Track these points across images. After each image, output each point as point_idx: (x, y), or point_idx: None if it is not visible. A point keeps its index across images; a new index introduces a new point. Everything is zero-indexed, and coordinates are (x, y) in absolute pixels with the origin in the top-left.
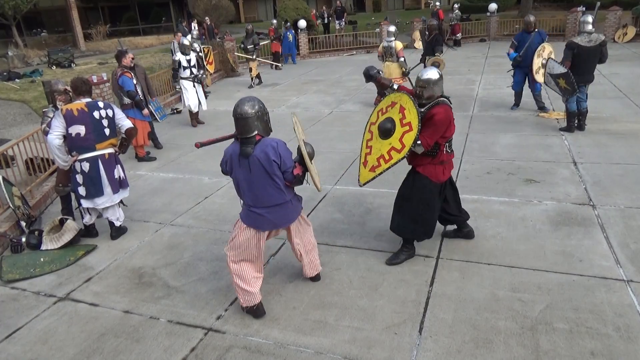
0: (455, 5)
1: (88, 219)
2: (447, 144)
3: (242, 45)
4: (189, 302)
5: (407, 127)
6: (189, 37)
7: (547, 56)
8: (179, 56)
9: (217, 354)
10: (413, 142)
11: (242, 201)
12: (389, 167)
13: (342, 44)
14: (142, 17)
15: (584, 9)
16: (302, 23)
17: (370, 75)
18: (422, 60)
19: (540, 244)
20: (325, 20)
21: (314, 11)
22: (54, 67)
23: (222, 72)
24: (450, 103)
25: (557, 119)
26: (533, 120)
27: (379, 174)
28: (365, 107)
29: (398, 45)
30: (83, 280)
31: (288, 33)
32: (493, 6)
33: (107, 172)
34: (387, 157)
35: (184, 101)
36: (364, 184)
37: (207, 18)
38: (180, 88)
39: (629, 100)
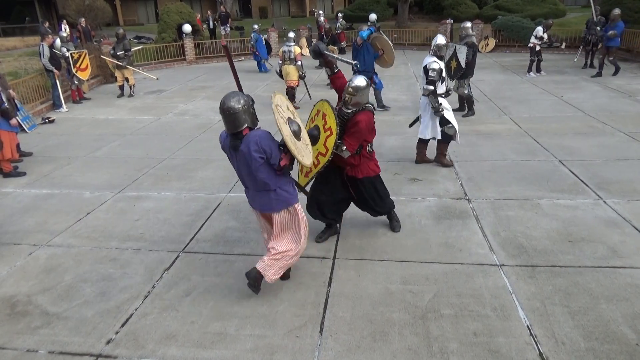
0: (340, 15)
1: None
2: (369, 145)
3: (113, 52)
4: (73, 329)
5: (328, 132)
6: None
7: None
8: None
9: None
10: (335, 145)
11: None
12: (319, 171)
13: (230, 49)
14: (3, 16)
15: (451, 21)
16: (187, 27)
17: (319, 52)
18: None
19: (425, 237)
20: (211, 25)
21: (199, 16)
22: None
23: (100, 78)
24: (374, 110)
25: None
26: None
27: (312, 179)
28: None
29: (297, 50)
30: None
31: (262, 36)
32: (373, 16)
33: None
34: (316, 162)
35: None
36: (302, 188)
37: (82, 19)
38: None
39: (492, 103)
